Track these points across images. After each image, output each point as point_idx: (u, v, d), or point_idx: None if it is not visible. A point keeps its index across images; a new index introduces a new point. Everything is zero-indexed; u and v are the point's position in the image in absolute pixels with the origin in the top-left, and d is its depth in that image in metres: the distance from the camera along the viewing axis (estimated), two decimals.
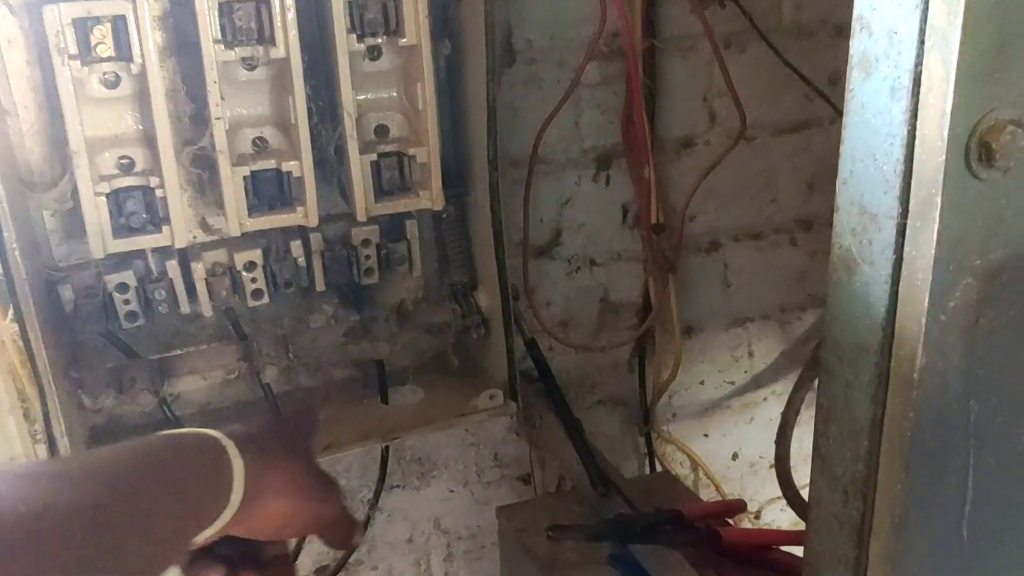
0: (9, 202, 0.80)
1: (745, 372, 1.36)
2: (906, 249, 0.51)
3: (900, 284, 0.51)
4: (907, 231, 0.50)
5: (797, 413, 1.30)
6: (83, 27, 0.83)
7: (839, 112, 1.21)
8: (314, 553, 1.16)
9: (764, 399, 1.38)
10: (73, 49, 0.83)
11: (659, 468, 1.32)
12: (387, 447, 1.12)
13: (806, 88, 1.18)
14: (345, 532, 0.74)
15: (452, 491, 1.23)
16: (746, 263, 1.30)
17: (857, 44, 0.52)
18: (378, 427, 1.03)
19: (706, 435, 1.36)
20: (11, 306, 0.81)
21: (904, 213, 0.50)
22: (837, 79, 1.22)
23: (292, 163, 0.92)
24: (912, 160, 0.49)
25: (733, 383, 1.35)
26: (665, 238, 1.17)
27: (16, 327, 0.83)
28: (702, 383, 1.33)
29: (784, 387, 1.35)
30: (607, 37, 1.09)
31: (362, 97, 0.95)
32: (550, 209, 1.16)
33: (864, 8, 0.51)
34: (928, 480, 0.54)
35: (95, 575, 0.49)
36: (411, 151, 0.96)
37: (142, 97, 0.88)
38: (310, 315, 1.06)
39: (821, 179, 1.30)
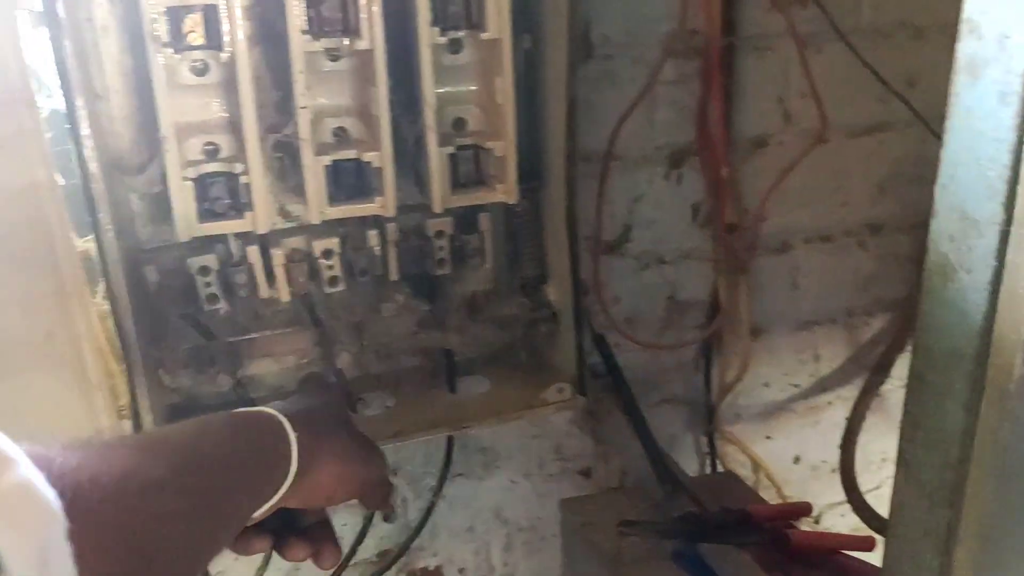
0: (105, 185, 0.83)
1: (810, 375, 1.35)
2: (1009, 256, 0.50)
3: (1001, 292, 0.51)
4: (1011, 238, 0.50)
5: (863, 419, 1.29)
6: (176, 16, 0.85)
7: (916, 115, 1.19)
8: (377, 537, 1.18)
9: (829, 403, 1.36)
10: (166, 37, 0.85)
11: (720, 469, 1.31)
12: (452, 436, 1.13)
13: (881, 90, 1.17)
14: (384, 494, 0.77)
15: (514, 482, 1.24)
16: (815, 265, 1.29)
17: (964, 47, 0.51)
18: (446, 416, 1.04)
19: (769, 437, 1.35)
20: (103, 285, 0.84)
21: (1009, 220, 0.50)
22: (915, 81, 1.20)
23: (372, 154, 0.94)
24: (1020, 166, 0.48)
25: (798, 386, 1.34)
26: (738, 238, 1.16)
27: (107, 305, 0.85)
28: (767, 385, 1.32)
29: (850, 392, 1.34)
30: (685, 34, 1.09)
31: (442, 90, 0.96)
32: (620, 205, 1.16)
33: (974, 11, 0.50)
34: (1021, 490, 0.53)
35: (170, 541, 0.51)
36: (488, 144, 0.97)
37: (229, 85, 0.90)
38: (383, 303, 1.08)
39: (893, 182, 1.29)
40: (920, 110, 1.16)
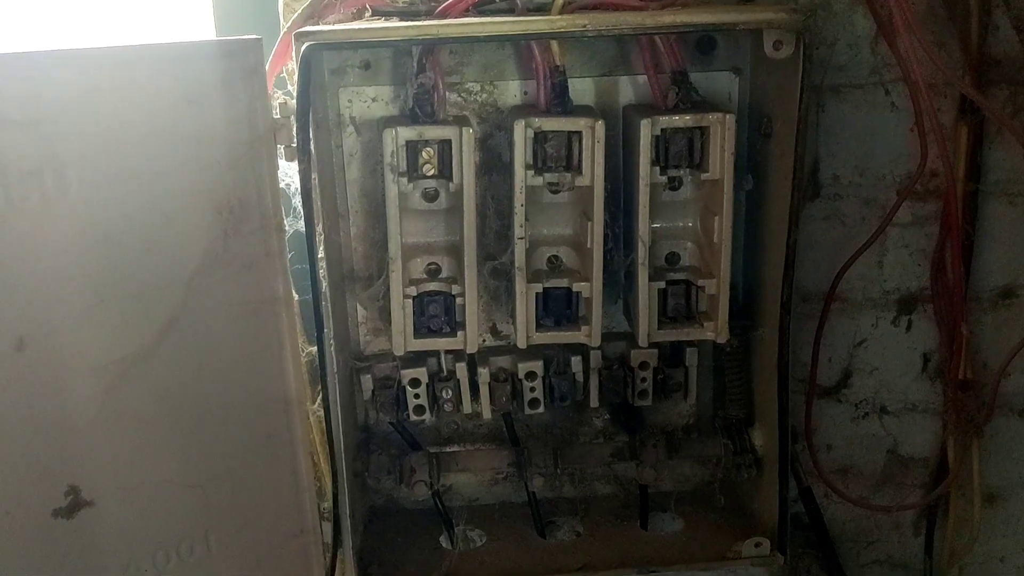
0: (332, 299, 0.89)
1: None
2: None
3: None
4: None
5: None
6: (413, 149, 0.91)
7: None
8: None
9: None
10: (403, 167, 0.91)
11: None
12: None
13: None
14: None
15: None
16: None
17: None
18: (635, 554, 1.01)
19: None
20: (320, 394, 0.90)
21: None
22: None
23: (583, 284, 0.95)
24: None
25: None
26: (972, 396, 1.06)
27: (321, 411, 0.91)
28: (1002, 560, 1.18)
29: None
30: (923, 176, 1.03)
31: (657, 225, 0.96)
32: (841, 349, 1.10)
33: None
34: None
35: None
36: (700, 281, 0.95)
37: (454, 212, 0.95)
38: (580, 428, 1.08)
39: None
40: None
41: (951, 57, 0.99)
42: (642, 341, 0.97)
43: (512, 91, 0.97)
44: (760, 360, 1.00)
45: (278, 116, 0.84)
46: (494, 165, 0.98)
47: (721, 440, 1.03)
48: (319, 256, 0.86)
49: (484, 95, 0.97)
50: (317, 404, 0.95)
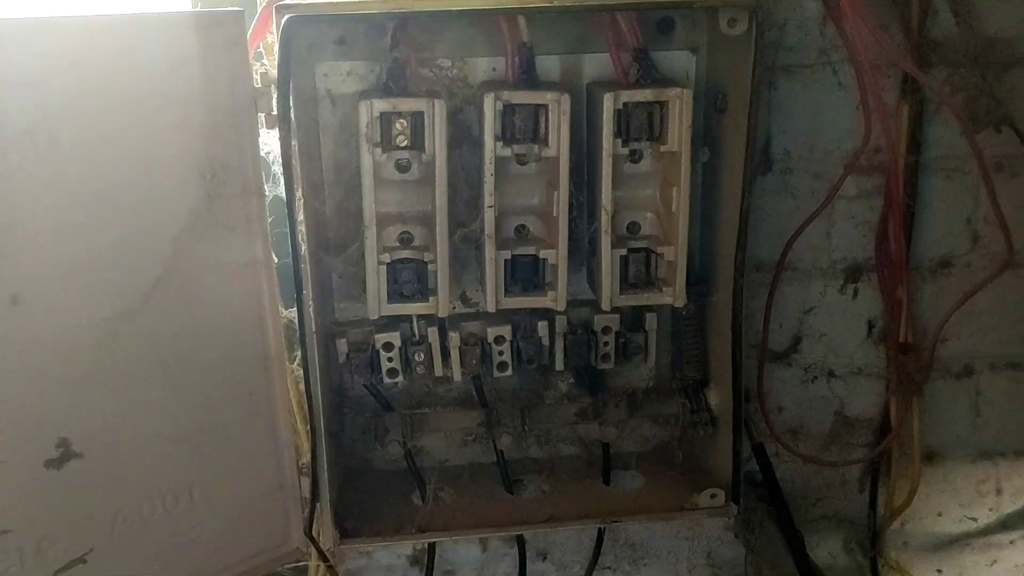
0: (311, 263, 0.93)
1: (991, 510, 1.27)
2: None
3: None
4: None
5: None
6: (387, 120, 0.95)
7: None
8: None
9: (1011, 542, 1.27)
10: (377, 138, 0.95)
11: None
12: (603, 528, 1.15)
13: None
14: None
15: None
16: (1001, 393, 1.22)
17: None
18: (598, 507, 1.07)
19: (939, 571, 1.27)
20: (299, 354, 0.94)
21: None
22: None
23: (549, 251, 1.00)
24: None
25: (975, 520, 1.26)
26: (913, 359, 1.13)
27: (300, 371, 0.95)
28: (940, 514, 1.25)
29: None
30: (868, 151, 1.09)
31: (619, 195, 1.01)
32: (791, 316, 1.16)
33: None
34: None
35: None
36: (659, 249, 1.01)
37: (426, 182, 0.99)
38: (546, 391, 1.13)
39: None
40: None
41: (894, 39, 1.05)
42: (605, 305, 1.02)
43: (482, 67, 1.02)
44: (715, 324, 1.06)
45: (259, 85, 0.88)
46: (464, 138, 1.03)
47: (679, 400, 1.09)
48: (299, 220, 0.90)
49: (455, 71, 1.01)
50: (296, 363, 0.99)
